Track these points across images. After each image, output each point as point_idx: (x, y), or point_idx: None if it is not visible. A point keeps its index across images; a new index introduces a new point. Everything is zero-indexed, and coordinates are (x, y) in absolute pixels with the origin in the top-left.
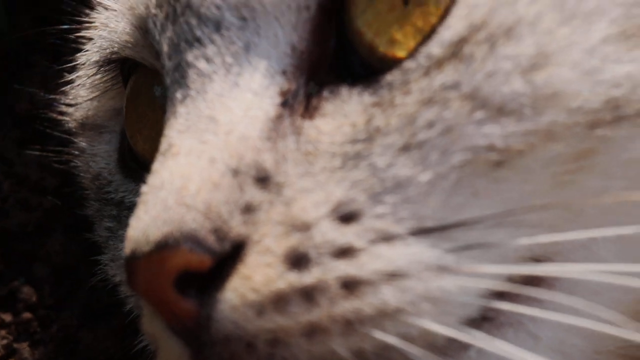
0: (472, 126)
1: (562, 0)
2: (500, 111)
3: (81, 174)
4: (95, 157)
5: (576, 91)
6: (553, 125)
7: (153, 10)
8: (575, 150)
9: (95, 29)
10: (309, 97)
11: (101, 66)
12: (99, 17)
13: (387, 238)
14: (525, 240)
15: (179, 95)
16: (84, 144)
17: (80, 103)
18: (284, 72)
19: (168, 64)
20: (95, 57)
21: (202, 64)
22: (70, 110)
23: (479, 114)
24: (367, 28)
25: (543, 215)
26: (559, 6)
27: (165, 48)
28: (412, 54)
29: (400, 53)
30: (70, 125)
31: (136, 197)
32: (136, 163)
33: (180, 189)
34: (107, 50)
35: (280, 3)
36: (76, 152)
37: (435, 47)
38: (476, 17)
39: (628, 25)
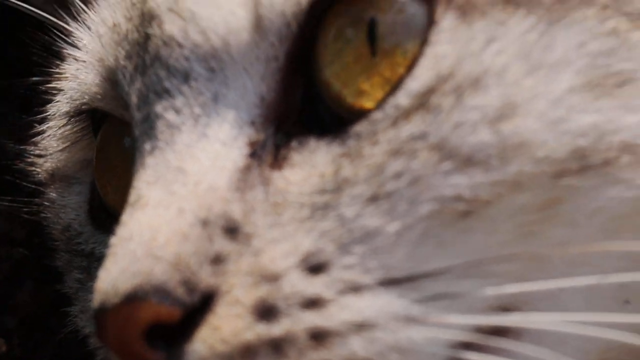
0: (439, 177)
1: (528, 51)
2: (467, 162)
3: (51, 225)
4: (66, 208)
5: (542, 141)
6: (520, 175)
7: (122, 62)
8: (542, 200)
9: (66, 80)
10: (277, 148)
11: (71, 117)
12: (69, 69)
13: (355, 288)
14: (491, 291)
15: (147, 146)
16: (54, 195)
17: (51, 154)
18: (252, 123)
19: (137, 115)
20: (66, 108)
21: (170, 115)
22: (40, 161)
23: (447, 165)
24: (334, 79)
25: (510, 265)
26: (525, 57)
27: (134, 99)
28: (379, 105)
29: (368, 104)
30: (40, 176)
31: (106, 249)
32: (106, 214)
33: (149, 241)
34: (77, 102)
35: (249, 54)
36: (46, 203)
37: (402, 98)
38: (443, 68)
39: (593, 75)
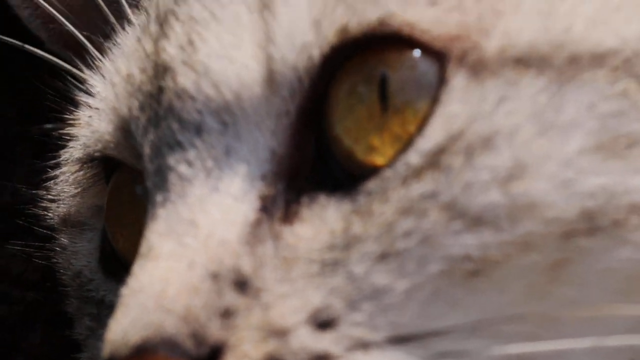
0: (449, 236)
1: (539, 112)
2: (477, 222)
3: (62, 271)
4: (77, 254)
5: (552, 202)
6: (529, 235)
7: (135, 113)
8: (551, 260)
9: (79, 127)
10: (288, 203)
11: (84, 163)
12: (82, 116)
13: (363, 345)
14: (499, 350)
15: (159, 198)
16: (65, 240)
17: (63, 199)
18: (263, 177)
19: (149, 166)
20: (78, 155)
21: (183, 168)
22: (52, 205)
23: (456, 225)
24: (345, 134)
25: (518, 325)
26: (536, 117)
27: (147, 151)
28: (390, 162)
29: (379, 160)
30: (53, 221)
31: (117, 297)
32: (117, 262)
33: (159, 293)
34: (90, 149)
35: (261, 108)
36: (57, 249)
37: (413, 156)
38: (454, 127)
39: (603, 137)
